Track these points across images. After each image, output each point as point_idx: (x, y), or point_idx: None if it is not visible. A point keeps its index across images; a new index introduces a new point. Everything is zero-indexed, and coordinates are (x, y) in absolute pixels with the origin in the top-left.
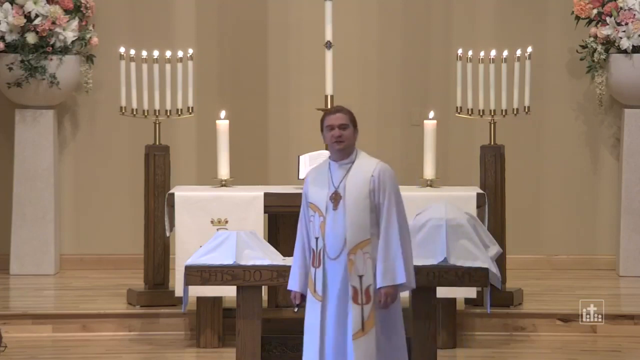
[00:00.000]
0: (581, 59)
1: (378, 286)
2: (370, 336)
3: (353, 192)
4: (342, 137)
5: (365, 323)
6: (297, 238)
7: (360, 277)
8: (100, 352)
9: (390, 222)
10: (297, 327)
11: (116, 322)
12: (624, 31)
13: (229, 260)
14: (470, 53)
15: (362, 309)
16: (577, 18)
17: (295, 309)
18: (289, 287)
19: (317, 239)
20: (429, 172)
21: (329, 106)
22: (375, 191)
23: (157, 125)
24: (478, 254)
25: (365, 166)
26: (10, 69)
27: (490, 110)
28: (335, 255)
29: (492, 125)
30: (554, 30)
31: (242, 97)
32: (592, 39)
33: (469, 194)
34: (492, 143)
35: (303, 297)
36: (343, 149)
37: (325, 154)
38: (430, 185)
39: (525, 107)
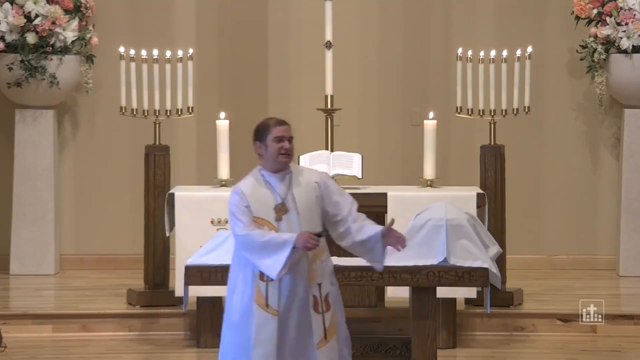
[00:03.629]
0: (581, 59)
1: (380, 234)
2: (333, 343)
3: (303, 202)
4: (290, 149)
5: (327, 331)
6: (249, 232)
7: (319, 284)
8: (100, 352)
9: (351, 200)
10: None
11: (116, 322)
12: (624, 31)
13: (229, 260)
14: (470, 53)
15: (324, 317)
16: (577, 18)
17: (321, 237)
18: (292, 245)
19: None
20: (429, 172)
21: (329, 106)
22: (323, 196)
23: (157, 125)
24: (478, 254)
25: (305, 175)
26: (10, 69)
27: (490, 110)
28: (293, 265)
29: (492, 125)
30: (554, 30)
31: (242, 97)
32: (592, 39)
33: (469, 194)
34: (492, 143)
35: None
36: (289, 162)
37: (326, 154)
38: (430, 185)
39: (525, 107)
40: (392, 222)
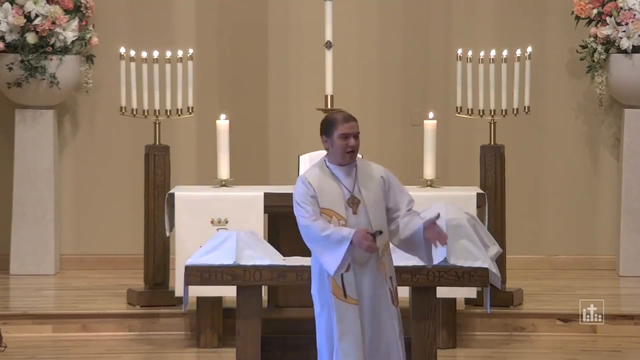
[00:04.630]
0: (581, 59)
1: (424, 225)
2: (401, 336)
3: (371, 196)
4: (356, 146)
5: (400, 322)
6: (312, 223)
7: (391, 278)
8: (100, 352)
9: (409, 199)
10: (297, 327)
11: (116, 322)
12: (624, 31)
13: (229, 260)
14: (470, 53)
15: (397, 309)
16: (577, 18)
17: (377, 235)
18: (349, 242)
19: None
20: (429, 172)
21: (329, 106)
22: (387, 191)
23: (157, 125)
24: (478, 254)
25: (371, 169)
26: (10, 69)
27: (490, 110)
28: (363, 260)
29: (492, 125)
30: (554, 30)
31: (242, 97)
32: (592, 39)
33: (469, 194)
34: (492, 143)
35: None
36: (354, 159)
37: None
38: (430, 185)
39: (525, 107)
40: (438, 216)
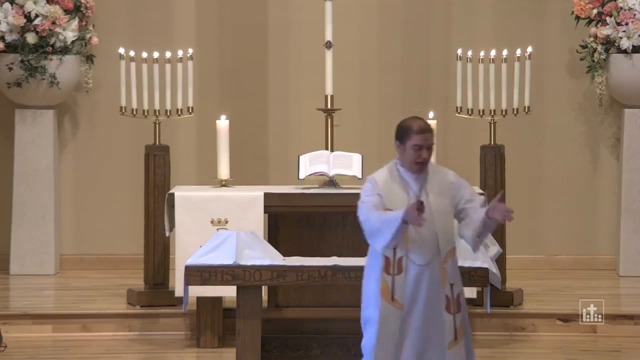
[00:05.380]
0: (581, 59)
1: (490, 205)
2: (461, 345)
3: (438, 202)
4: (427, 159)
5: (457, 333)
6: (369, 212)
7: (452, 285)
8: (100, 352)
9: (480, 203)
10: (297, 327)
11: (116, 322)
12: (624, 31)
13: (229, 260)
14: (470, 53)
15: (454, 318)
16: (577, 18)
17: (421, 200)
18: (400, 219)
19: (395, 246)
20: None
21: (329, 106)
22: (456, 196)
23: (157, 125)
24: (478, 254)
25: (441, 174)
26: (10, 69)
27: (490, 110)
28: (424, 263)
29: (492, 125)
30: (554, 30)
31: (242, 97)
32: (592, 39)
33: None
34: (492, 143)
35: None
36: (424, 170)
37: (326, 154)
38: None
39: (525, 107)
40: (502, 195)
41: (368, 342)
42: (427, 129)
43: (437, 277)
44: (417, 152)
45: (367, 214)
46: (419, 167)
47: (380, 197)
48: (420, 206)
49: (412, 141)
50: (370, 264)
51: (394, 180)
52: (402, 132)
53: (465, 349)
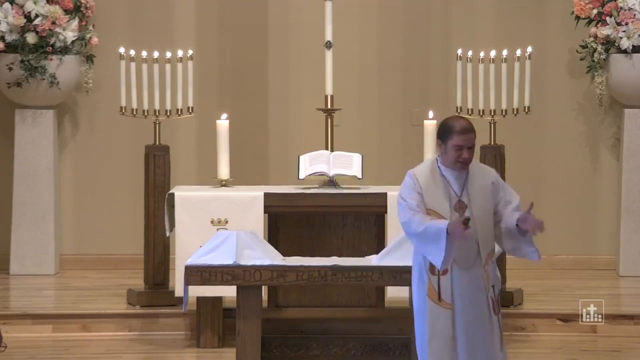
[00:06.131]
0: (581, 59)
1: (519, 218)
2: (503, 343)
3: (479, 202)
4: (468, 159)
5: (501, 332)
6: (410, 218)
7: (493, 286)
8: (100, 352)
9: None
10: (297, 327)
11: (116, 322)
12: (624, 31)
13: (229, 260)
14: (470, 53)
15: (499, 318)
16: (577, 18)
17: (468, 216)
18: (444, 229)
19: None
20: None
21: (329, 106)
22: (496, 196)
23: (157, 125)
24: None
25: (482, 173)
26: (10, 69)
27: (490, 110)
28: (467, 265)
29: (492, 125)
30: (554, 30)
31: (242, 97)
32: (592, 39)
33: None
34: (492, 143)
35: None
36: (465, 169)
37: (326, 154)
38: None
39: (525, 107)
40: (531, 205)
41: (420, 343)
42: (469, 129)
43: (481, 279)
44: (457, 152)
45: (408, 216)
46: (460, 167)
47: (420, 195)
48: (466, 221)
49: (454, 141)
50: (414, 261)
51: (435, 178)
52: (444, 132)
53: (503, 352)
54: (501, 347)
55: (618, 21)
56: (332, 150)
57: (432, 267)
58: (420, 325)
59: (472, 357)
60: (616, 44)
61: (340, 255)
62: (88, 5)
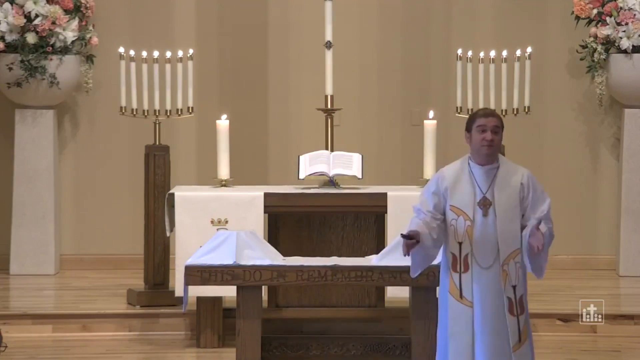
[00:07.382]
0: (581, 59)
1: (529, 232)
2: (527, 346)
3: (504, 201)
4: (493, 141)
5: (521, 334)
6: (412, 219)
7: (514, 287)
8: (100, 352)
9: (547, 207)
10: (297, 327)
11: (116, 322)
12: (624, 31)
13: (229, 260)
14: (470, 53)
15: (518, 320)
16: (577, 18)
17: (405, 234)
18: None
19: (460, 243)
20: (429, 172)
21: (329, 106)
22: (525, 198)
23: (157, 125)
24: None
25: (512, 173)
26: (10, 69)
27: None
28: (487, 265)
29: None
30: (554, 30)
31: (242, 97)
32: (592, 39)
33: None
34: None
35: (416, 234)
36: (491, 154)
37: (326, 154)
38: None
39: (525, 107)
40: (539, 222)
41: (442, 340)
42: (492, 114)
43: (498, 278)
44: (481, 135)
45: (412, 217)
46: (486, 149)
47: (437, 195)
48: (404, 236)
49: (477, 123)
50: (441, 258)
51: (463, 174)
52: (469, 121)
53: (530, 349)
54: (517, 349)
55: (618, 21)
56: (332, 150)
57: (454, 264)
58: (443, 319)
59: (487, 356)
60: (616, 44)
61: (340, 255)
62: (88, 5)
